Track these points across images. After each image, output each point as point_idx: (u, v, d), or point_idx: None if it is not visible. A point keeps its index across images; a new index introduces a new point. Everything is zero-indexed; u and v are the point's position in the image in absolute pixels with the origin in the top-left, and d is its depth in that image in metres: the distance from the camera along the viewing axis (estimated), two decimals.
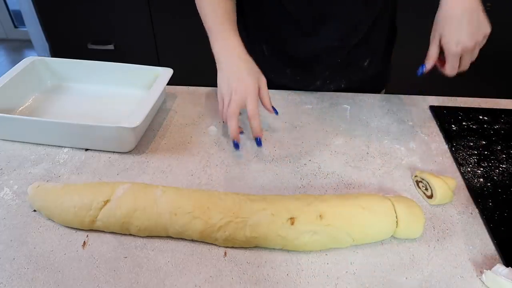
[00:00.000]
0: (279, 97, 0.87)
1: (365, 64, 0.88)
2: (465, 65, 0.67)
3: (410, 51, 1.96)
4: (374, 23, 0.81)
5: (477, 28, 0.63)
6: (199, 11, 0.75)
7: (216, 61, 0.70)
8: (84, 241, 0.56)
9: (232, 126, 0.66)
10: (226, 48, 0.69)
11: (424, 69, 0.69)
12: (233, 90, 0.66)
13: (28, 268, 0.52)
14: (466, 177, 0.67)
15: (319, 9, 0.75)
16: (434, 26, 0.67)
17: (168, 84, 0.80)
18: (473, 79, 2.02)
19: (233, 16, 0.73)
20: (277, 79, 0.87)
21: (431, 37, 0.68)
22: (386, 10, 0.82)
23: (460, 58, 0.66)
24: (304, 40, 0.80)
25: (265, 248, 0.55)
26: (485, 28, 0.65)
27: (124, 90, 0.84)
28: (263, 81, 0.69)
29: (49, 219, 0.58)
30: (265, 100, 0.69)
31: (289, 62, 0.86)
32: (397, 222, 0.55)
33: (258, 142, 0.68)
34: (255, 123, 0.66)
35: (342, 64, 0.86)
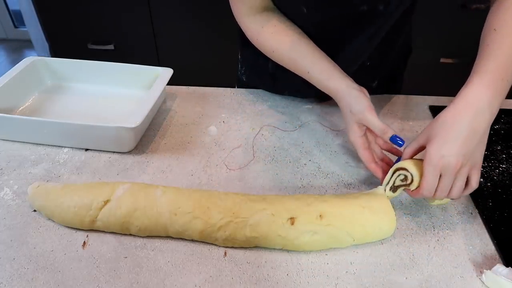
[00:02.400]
0: (279, 97, 0.87)
1: (374, 85, 0.85)
2: (452, 192, 0.53)
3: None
4: (379, 50, 0.76)
5: (471, 152, 0.51)
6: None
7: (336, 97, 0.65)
8: (84, 241, 0.56)
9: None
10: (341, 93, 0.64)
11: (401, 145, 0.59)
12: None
13: (28, 268, 0.52)
14: None
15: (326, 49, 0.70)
16: (428, 125, 0.55)
17: (168, 84, 0.80)
18: None
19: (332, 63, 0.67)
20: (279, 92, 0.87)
21: (419, 135, 0.56)
22: (395, 35, 0.77)
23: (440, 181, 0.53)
24: None
25: (265, 248, 0.55)
26: (479, 158, 0.53)
27: (124, 90, 0.84)
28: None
29: (49, 219, 0.58)
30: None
31: (291, 85, 0.83)
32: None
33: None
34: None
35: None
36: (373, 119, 0.60)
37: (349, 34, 0.71)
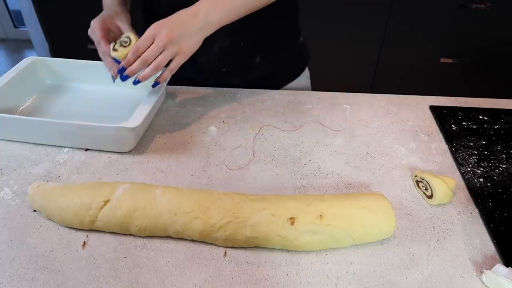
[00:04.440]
0: (279, 97, 0.87)
1: (257, 60, 0.88)
2: (155, 61, 0.65)
3: (410, 52, 1.97)
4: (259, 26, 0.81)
5: (180, 39, 0.65)
6: None
7: None
8: (84, 241, 0.56)
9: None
10: (105, 6, 0.81)
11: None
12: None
13: (28, 268, 0.52)
14: (466, 177, 0.67)
15: None
16: None
17: (168, 84, 0.80)
18: (473, 79, 2.02)
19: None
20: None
21: None
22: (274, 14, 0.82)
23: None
24: None
25: (265, 248, 0.55)
26: (185, 49, 0.67)
27: (124, 90, 0.84)
28: (119, 18, 0.75)
29: (49, 219, 0.58)
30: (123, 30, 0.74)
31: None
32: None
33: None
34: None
35: (234, 62, 0.87)
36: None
37: None
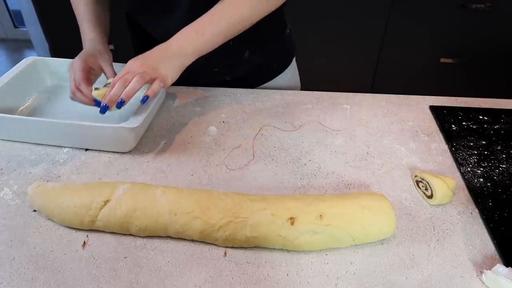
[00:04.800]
0: (279, 97, 0.87)
1: (246, 55, 0.89)
2: (130, 84, 0.66)
3: (410, 52, 1.97)
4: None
5: (155, 67, 0.67)
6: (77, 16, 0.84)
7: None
8: (84, 241, 0.56)
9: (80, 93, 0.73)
10: (85, 44, 0.81)
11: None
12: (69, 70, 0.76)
13: (28, 268, 0.52)
14: (466, 177, 0.67)
15: None
16: None
17: None
18: (473, 79, 2.02)
19: (104, 28, 0.85)
20: None
21: None
22: None
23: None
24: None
25: (265, 248, 0.55)
26: (163, 72, 0.68)
27: None
28: (102, 58, 0.77)
29: (49, 219, 0.58)
30: (105, 71, 0.77)
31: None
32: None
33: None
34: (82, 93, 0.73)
35: (224, 60, 0.88)
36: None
37: None
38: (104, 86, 0.72)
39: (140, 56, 0.69)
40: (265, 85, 0.94)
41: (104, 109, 0.66)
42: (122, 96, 0.65)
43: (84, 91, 0.72)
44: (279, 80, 0.96)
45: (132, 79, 0.65)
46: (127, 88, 0.65)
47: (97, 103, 0.70)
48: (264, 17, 0.76)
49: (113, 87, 0.66)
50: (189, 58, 0.70)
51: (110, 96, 0.66)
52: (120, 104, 0.66)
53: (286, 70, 0.96)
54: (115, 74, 0.76)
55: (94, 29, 0.81)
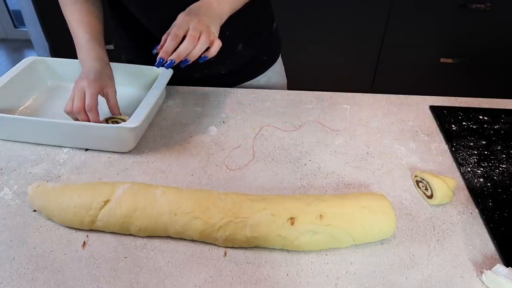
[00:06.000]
0: (279, 97, 0.87)
1: (239, 48, 0.90)
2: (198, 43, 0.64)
3: (410, 52, 1.97)
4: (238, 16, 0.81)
5: (208, 24, 0.65)
6: (65, 18, 0.80)
7: (81, 66, 0.75)
8: (84, 241, 0.56)
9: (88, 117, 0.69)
10: (89, 58, 0.75)
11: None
12: (77, 87, 0.70)
13: (28, 268, 0.52)
14: (466, 177, 0.67)
15: None
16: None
17: (168, 84, 0.80)
18: (473, 79, 2.02)
19: (98, 27, 0.79)
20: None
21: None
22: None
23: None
24: None
25: (265, 248, 0.55)
26: (213, 31, 0.66)
27: (124, 90, 0.84)
28: (110, 85, 0.73)
29: (49, 219, 0.58)
30: (110, 103, 0.73)
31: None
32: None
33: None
34: (86, 116, 0.69)
35: (220, 52, 0.88)
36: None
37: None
38: (108, 119, 0.73)
39: (192, 11, 0.66)
40: (257, 78, 0.96)
41: (170, 64, 0.64)
42: (189, 57, 0.64)
43: (92, 119, 0.69)
44: (269, 73, 0.98)
45: (200, 36, 0.63)
46: (196, 48, 0.63)
47: (159, 62, 0.65)
48: (256, 8, 0.77)
49: (174, 39, 0.63)
50: (224, 18, 0.70)
51: (179, 52, 0.63)
52: (185, 63, 0.65)
53: (275, 64, 0.99)
54: (118, 110, 0.74)
55: (93, 37, 0.77)
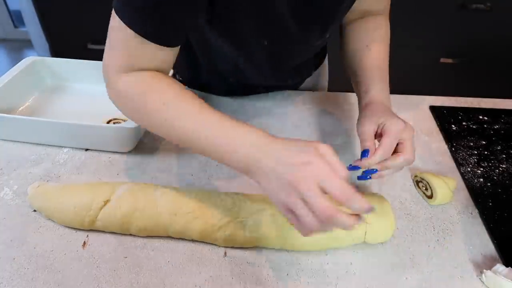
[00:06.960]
0: (279, 97, 0.87)
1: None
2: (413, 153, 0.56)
3: (410, 52, 1.97)
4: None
5: None
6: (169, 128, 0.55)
7: (248, 167, 0.48)
8: (84, 241, 0.56)
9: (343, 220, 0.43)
10: (251, 143, 0.51)
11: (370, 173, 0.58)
12: (294, 183, 0.43)
13: (28, 268, 0.52)
14: (466, 177, 0.67)
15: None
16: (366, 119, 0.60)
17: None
18: (473, 79, 2.02)
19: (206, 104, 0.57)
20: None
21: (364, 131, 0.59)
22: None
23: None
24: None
25: (265, 248, 0.55)
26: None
27: None
28: (324, 147, 0.46)
29: (49, 219, 0.58)
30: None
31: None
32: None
33: None
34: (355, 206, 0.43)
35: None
36: None
37: (297, 58, 0.78)
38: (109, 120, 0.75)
39: (395, 120, 0.58)
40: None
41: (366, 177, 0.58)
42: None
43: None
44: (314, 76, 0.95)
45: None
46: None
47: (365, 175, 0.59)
48: None
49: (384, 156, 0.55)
50: None
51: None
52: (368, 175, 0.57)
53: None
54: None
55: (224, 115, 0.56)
